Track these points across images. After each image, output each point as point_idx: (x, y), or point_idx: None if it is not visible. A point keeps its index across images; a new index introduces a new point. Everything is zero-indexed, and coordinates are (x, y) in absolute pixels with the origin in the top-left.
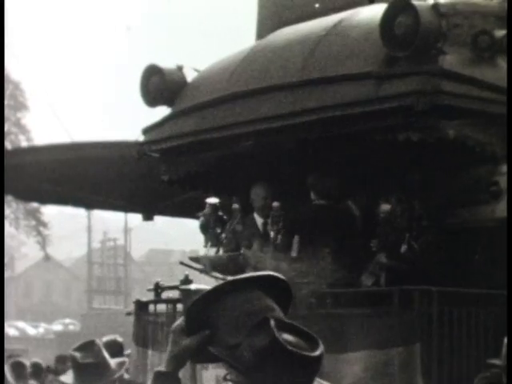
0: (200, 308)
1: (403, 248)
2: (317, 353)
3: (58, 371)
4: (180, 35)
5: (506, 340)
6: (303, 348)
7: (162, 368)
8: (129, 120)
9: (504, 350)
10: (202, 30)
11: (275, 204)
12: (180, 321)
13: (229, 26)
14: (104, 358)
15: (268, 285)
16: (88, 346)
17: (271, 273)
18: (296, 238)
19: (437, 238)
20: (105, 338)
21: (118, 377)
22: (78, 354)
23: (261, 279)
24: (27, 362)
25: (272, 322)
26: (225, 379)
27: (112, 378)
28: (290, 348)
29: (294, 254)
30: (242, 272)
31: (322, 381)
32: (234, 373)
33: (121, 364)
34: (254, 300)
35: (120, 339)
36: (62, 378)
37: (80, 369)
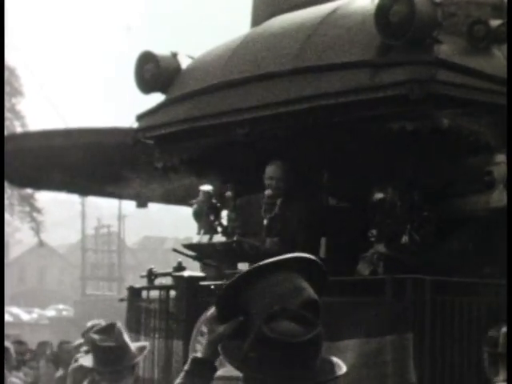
0: (230, 295)
1: (404, 239)
2: (300, 338)
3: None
4: (180, 33)
5: (504, 330)
6: (297, 335)
7: (198, 354)
8: (123, 106)
9: (502, 339)
10: (200, 27)
11: (268, 192)
12: (214, 308)
13: (226, 21)
14: (124, 342)
15: (299, 265)
16: (108, 329)
17: (302, 254)
18: (323, 240)
19: (438, 229)
20: (90, 323)
21: (137, 361)
22: (97, 337)
23: (291, 261)
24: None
25: (273, 311)
26: None
27: (132, 362)
28: (272, 335)
29: (322, 255)
30: (236, 259)
31: (339, 361)
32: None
33: (141, 349)
34: (284, 282)
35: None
36: (82, 360)
37: (100, 352)
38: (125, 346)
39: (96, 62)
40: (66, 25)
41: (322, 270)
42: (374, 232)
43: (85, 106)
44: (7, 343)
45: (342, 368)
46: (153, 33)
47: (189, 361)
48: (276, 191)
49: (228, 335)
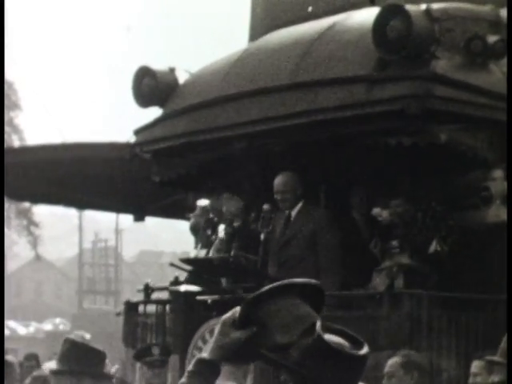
0: (253, 305)
1: (432, 248)
2: (362, 352)
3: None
4: (178, 36)
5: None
6: (347, 348)
7: (204, 355)
8: (121, 121)
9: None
10: (198, 32)
11: (265, 206)
12: (231, 313)
13: (223, 27)
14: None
15: (307, 291)
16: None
17: (312, 280)
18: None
19: (464, 239)
20: (72, 335)
21: None
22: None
23: (302, 286)
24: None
25: (318, 324)
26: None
27: None
28: (334, 346)
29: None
30: (233, 274)
31: None
32: (286, 372)
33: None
34: (300, 305)
35: (88, 336)
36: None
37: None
38: None
39: (93, 75)
40: (63, 27)
41: (321, 296)
42: (395, 243)
43: (83, 119)
44: (11, 358)
45: None
46: (150, 34)
47: (194, 361)
48: (283, 203)
49: (241, 343)
